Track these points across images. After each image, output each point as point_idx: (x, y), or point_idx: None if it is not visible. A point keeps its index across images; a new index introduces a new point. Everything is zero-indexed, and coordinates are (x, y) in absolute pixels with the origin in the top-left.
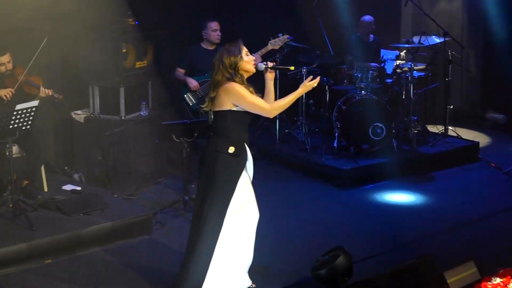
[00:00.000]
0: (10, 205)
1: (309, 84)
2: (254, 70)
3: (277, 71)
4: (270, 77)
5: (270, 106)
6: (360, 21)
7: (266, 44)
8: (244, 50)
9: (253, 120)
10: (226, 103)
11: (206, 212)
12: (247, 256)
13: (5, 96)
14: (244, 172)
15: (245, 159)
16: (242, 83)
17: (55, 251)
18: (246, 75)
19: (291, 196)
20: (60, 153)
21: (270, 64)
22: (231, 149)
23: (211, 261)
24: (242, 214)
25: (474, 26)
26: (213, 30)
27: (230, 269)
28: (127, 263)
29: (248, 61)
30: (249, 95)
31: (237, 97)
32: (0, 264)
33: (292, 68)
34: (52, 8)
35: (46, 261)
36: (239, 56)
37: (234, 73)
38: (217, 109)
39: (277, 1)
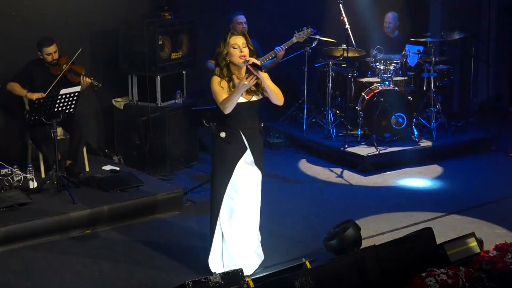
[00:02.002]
0: (55, 182)
1: (243, 83)
2: (239, 62)
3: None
4: (254, 72)
5: (221, 104)
6: (385, 16)
7: (292, 37)
8: (235, 43)
9: (283, 110)
10: None
11: (210, 193)
12: (251, 240)
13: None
14: (243, 162)
15: (243, 147)
16: (221, 75)
17: (94, 222)
18: (234, 68)
19: (315, 179)
20: (101, 137)
21: (250, 62)
22: (222, 134)
23: (214, 240)
24: (242, 201)
25: (502, 21)
26: (239, 23)
27: (236, 251)
28: (159, 236)
29: (231, 54)
30: (217, 91)
31: (212, 91)
32: (45, 232)
33: (264, 70)
34: (94, 3)
35: (86, 231)
36: (222, 48)
37: (218, 62)
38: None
39: None
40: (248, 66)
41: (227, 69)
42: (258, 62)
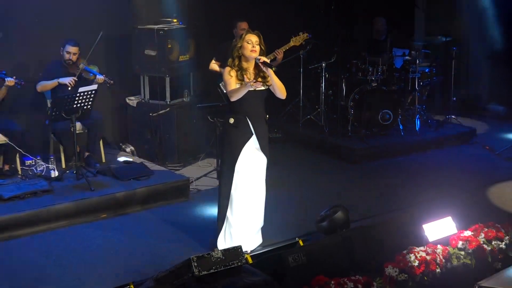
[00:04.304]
0: (74, 171)
1: (251, 84)
2: (250, 56)
3: (270, 67)
4: (263, 69)
5: (229, 94)
6: (374, 21)
7: (289, 41)
8: (250, 39)
9: (281, 108)
10: None
11: (220, 175)
12: (254, 222)
13: (70, 83)
14: (249, 146)
15: (249, 133)
16: (233, 65)
17: (110, 208)
18: (244, 60)
19: (309, 170)
20: (116, 131)
21: (261, 60)
22: (231, 120)
23: (226, 220)
24: (245, 185)
25: (480, 26)
26: (243, 29)
27: (239, 230)
28: (168, 220)
29: (244, 47)
30: (227, 80)
31: (223, 79)
32: (65, 216)
33: (274, 69)
34: (109, 10)
35: (102, 216)
36: (238, 42)
37: (232, 54)
38: None
39: (300, 3)
40: (260, 64)
41: (238, 60)
42: (268, 61)
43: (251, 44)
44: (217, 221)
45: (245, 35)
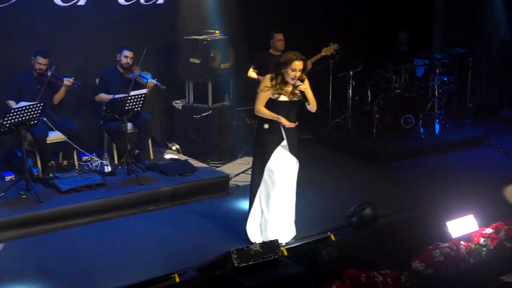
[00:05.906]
0: (126, 167)
1: (283, 123)
2: (290, 82)
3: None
4: (299, 92)
5: (256, 109)
6: (399, 34)
7: (320, 51)
8: (295, 68)
9: (312, 112)
10: None
11: (252, 173)
12: (287, 216)
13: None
14: (280, 149)
15: (280, 138)
16: (273, 78)
17: (156, 201)
18: (285, 80)
19: (338, 169)
20: (164, 131)
21: (299, 88)
22: (266, 126)
23: (252, 212)
24: (279, 182)
25: (493, 37)
26: (279, 40)
27: (274, 225)
28: (209, 212)
29: (288, 73)
30: (261, 90)
31: (260, 86)
32: (116, 208)
33: (307, 103)
34: (159, 21)
35: (149, 208)
36: (286, 64)
37: (276, 69)
38: None
39: (331, 17)
40: (297, 90)
41: (281, 78)
42: (305, 91)
43: (295, 72)
44: (248, 214)
45: (294, 61)
